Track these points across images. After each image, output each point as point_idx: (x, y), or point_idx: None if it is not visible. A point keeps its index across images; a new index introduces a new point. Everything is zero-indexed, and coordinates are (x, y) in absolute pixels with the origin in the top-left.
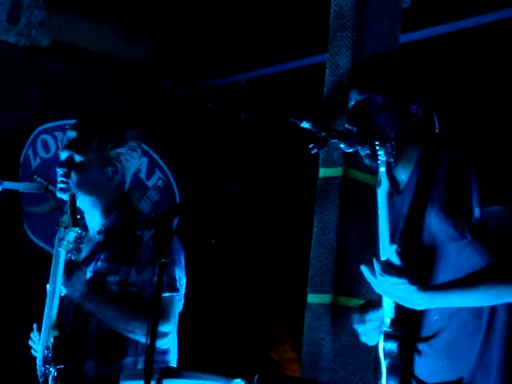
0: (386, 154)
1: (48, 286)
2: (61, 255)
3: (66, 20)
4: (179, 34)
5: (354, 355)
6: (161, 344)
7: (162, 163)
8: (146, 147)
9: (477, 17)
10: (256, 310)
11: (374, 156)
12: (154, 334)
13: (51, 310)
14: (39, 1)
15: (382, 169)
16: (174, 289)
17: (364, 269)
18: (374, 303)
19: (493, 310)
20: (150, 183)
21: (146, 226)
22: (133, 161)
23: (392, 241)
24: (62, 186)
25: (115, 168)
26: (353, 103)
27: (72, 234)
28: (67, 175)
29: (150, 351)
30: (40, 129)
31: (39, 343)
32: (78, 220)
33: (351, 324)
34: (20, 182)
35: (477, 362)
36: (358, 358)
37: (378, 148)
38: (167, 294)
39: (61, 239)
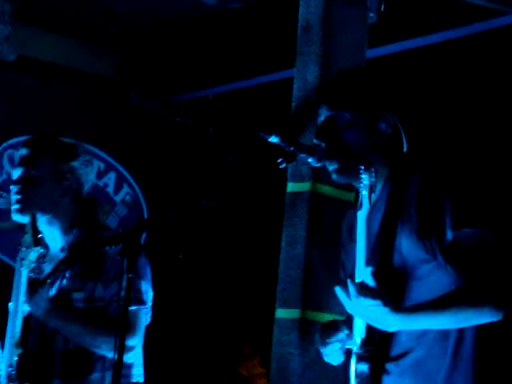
0: (370, 177)
1: (10, 304)
2: (22, 274)
3: (32, 34)
4: (147, 48)
5: (322, 369)
6: (126, 358)
7: (129, 178)
8: (113, 162)
9: (444, 32)
10: (224, 325)
11: (341, 171)
12: (121, 349)
13: (14, 328)
14: (5, 15)
15: (365, 192)
16: (141, 302)
17: (338, 290)
18: (337, 323)
19: (460, 332)
20: (117, 198)
21: (114, 241)
22: (85, 176)
23: (367, 262)
24: (17, 206)
25: (69, 182)
26: (322, 119)
27: (33, 253)
28: (22, 192)
29: (118, 366)
30: (6, 144)
31: (2, 361)
32: (40, 239)
33: (315, 344)
34: None
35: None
36: (326, 372)
37: (361, 172)
38: (134, 308)
39: (22, 259)
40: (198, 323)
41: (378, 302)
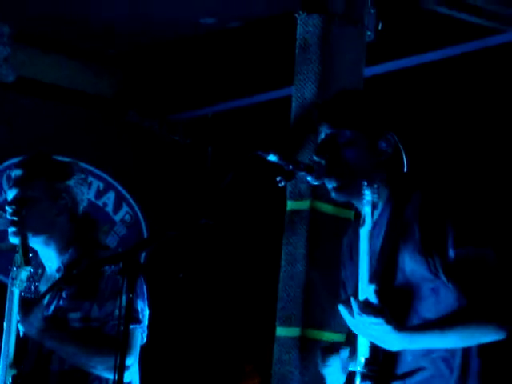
0: (373, 193)
1: (3, 324)
2: (14, 294)
3: (31, 56)
4: (146, 67)
5: None
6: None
7: (129, 197)
8: (112, 181)
9: (441, 50)
10: (224, 344)
11: (340, 189)
12: (122, 368)
13: (8, 349)
14: (4, 37)
15: (367, 208)
16: (137, 320)
17: (341, 307)
18: (336, 345)
19: (466, 352)
20: (117, 218)
21: (113, 260)
22: (81, 195)
23: (370, 279)
24: (14, 229)
25: (64, 201)
26: (322, 136)
27: (24, 272)
28: (17, 212)
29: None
30: (5, 164)
31: None
32: (30, 259)
33: (317, 366)
34: None
35: None
36: None
37: (364, 187)
38: (130, 327)
39: (13, 278)
40: (199, 341)
41: (380, 321)
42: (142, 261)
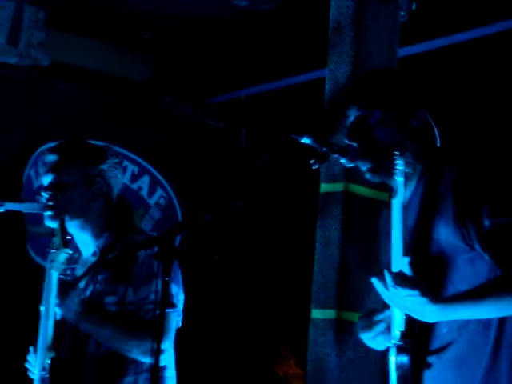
0: (406, 163)
1: (41, 307)
2: (53, 277)
3: (66, 40)
4: (179, 52)
5: (359, 370)
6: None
7: (163, 181)
8: (147, 165)
9: (474, 30)
10: (260, 326)
11: (374, 170)
12: (158, 352)
13: (46, 332)
14: (39, 22)
15: (400, 179)
16: (172, 305)
17: (375, 280)
18: (378, 310)
19: (501, 323)
20: (151, 201)
21: (149, 244)
22: (115, 179)
23: (404, 252)
24: (50, 213)
25: (99, 185)
26: (352, 119)
27: (63, 255)
28: (53, 198)
29: (155, 369)
30: (41, 149)
31: (35, 365)
32: (68, 241)
33: (357, 333)
34: (23, 202)
35: (485, 376)
36: (363, 373)
37: (396, 158)
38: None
39: (52, 261)
40: (235, 323)
41: (415, 293)
42: (176, 244)
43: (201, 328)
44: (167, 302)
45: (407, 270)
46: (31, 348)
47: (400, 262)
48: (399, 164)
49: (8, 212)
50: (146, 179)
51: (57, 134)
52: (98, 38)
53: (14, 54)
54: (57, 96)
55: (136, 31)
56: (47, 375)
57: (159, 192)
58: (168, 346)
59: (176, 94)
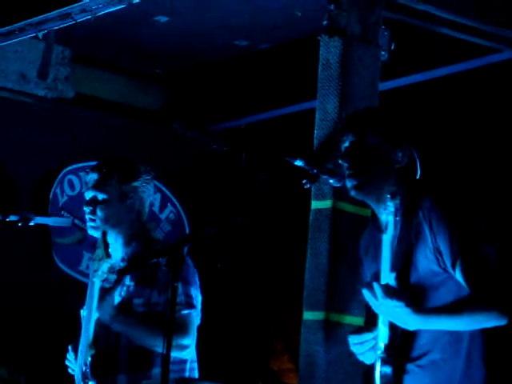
0: (395, 206)
1: (83, 311)
2: (95, 284)
3: (88, 75)
4: (188, 85)
5: (345, 365)
6: (182, 355)
7: (173, 198)
8: (159, 184)
9: (449, 66)
10: (258, 326)
11: (358, 188)
12: (169, 347)
13: (88, 332)
14: (65, 58)
15: (391, 217)
16: (192, 306)
17: (365, 292)
18: (368, 327)
19: (472, 337)
20: (162, 216)
21: (161, 253)
22: (148, 192)
23: (391, 268)
24: (92, 224)
25: (133, 200)
26: (347, 144)
27: (106, 264)
28: (93, 212)
29: (166, 362)
30: (66, 170)
31: (76, 362)
32: (110, 252)
33: (348, 346)
34: (49, 216)
35: (461, 382)
36: (348, 367)
37: (388, 200)
38: (186, 311)
39: (95, 270)
40: (237, 325)
41: (401, 304)
42: (185, 254)
43: (206, 327)
44: (188, 303)
45: (393, 284)
46: (70, 347)
47: (388, 277)
48: (390, 206)
49: (37, 225)
50: (157, 196)
51: (79, 156)
52: (116, 72)
53: (43, 87)
54: (80, 124)
55: (150, 67)
56: (88, 370)
57: (169, 208)
58: (191, 342)
59: (185, 121)
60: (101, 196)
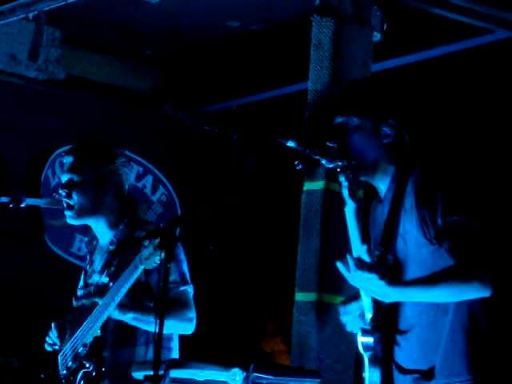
0: (347, 179)
1: (100, 300)
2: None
3: (79, 56)
4: (179, 66)
5: (337, 345)
6: (191, 328)
7: (165, 180)
8: (150, 166)
9: (441, 47)
10: (250, 307)
11: (347, 168)
12: (161, 325)
13: (103, 315)
14: (55, 40)
15: (345, 191)
16: (187, 282)
17: (339, 265)
18: (355, 297)
19: (457, 309)
20: (154, 198)
21: (153, 235)
22: (125, 175)
23: (362, 240)
24: (69, 213)
25: (109, 183)
26: (334, 125)
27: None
28: (69, 196)
29: (159, 341)
30: (57, 152)
31: (63, 342)
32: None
33: (338, 317)
34: (41, 198)
35: (443, 355)
36: (340, 348)
37: (338, 173)
38: (183, 288)
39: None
40: (228, 306)
41: (374, 276)
42: (177, 235)
43: (199, 307)
44: (184, 280)
45: (365, 257)
46: (53, 324)
47: (359, 250)
48: (342, 180)
49: (28, 207)
50: (149, 178)
51: (71, 138)
52: (107, 54)
53: (34, 68)
54: (71, 105)
55: (141, 48)
56: (86, 350)
57: (161, 190)
58: (194, 314)
59: (175, 103)
60: (76, 178)
